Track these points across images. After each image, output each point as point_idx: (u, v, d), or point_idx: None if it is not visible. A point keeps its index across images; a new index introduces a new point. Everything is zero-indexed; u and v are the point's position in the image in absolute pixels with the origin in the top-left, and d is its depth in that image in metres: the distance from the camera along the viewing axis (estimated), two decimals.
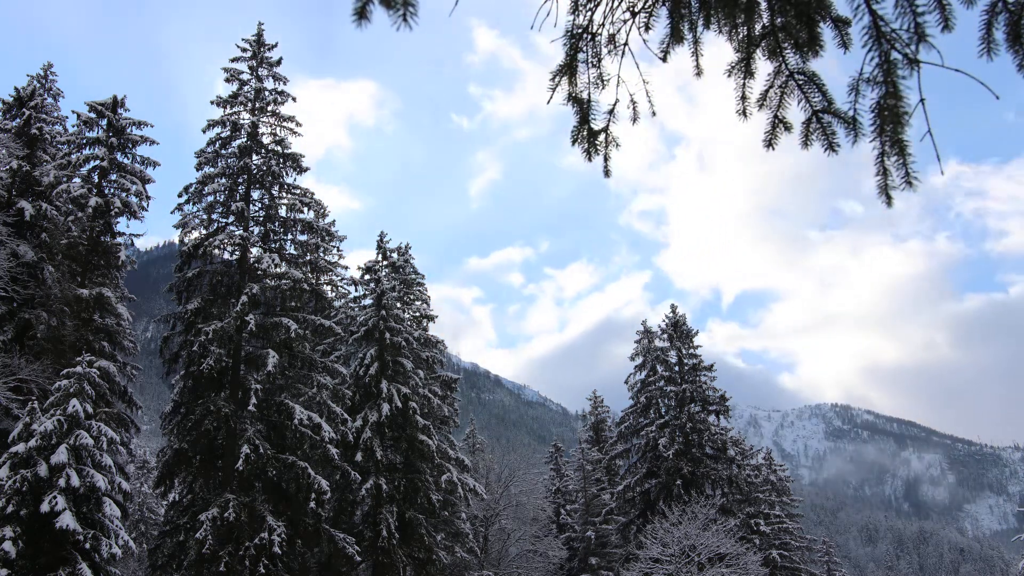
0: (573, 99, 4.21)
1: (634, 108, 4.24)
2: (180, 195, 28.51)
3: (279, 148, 29.51)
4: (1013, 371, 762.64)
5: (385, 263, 37.00)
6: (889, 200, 3.45)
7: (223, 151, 29.23)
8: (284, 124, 29.87)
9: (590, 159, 4.29)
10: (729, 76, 3.97)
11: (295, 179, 29.86)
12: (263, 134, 29.60)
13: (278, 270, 28.07)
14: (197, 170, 28.90)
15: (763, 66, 3.89)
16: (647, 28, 4.01)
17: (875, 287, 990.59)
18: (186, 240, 28.54)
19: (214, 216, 28.87)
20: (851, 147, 3.59)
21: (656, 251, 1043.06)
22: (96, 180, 29.01)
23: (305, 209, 29.64)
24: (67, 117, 29.73)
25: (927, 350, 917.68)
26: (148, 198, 29.53)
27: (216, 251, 28.38)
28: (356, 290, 38.70)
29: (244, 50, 29.95)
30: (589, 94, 4.20)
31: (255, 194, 29.52)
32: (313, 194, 29.92)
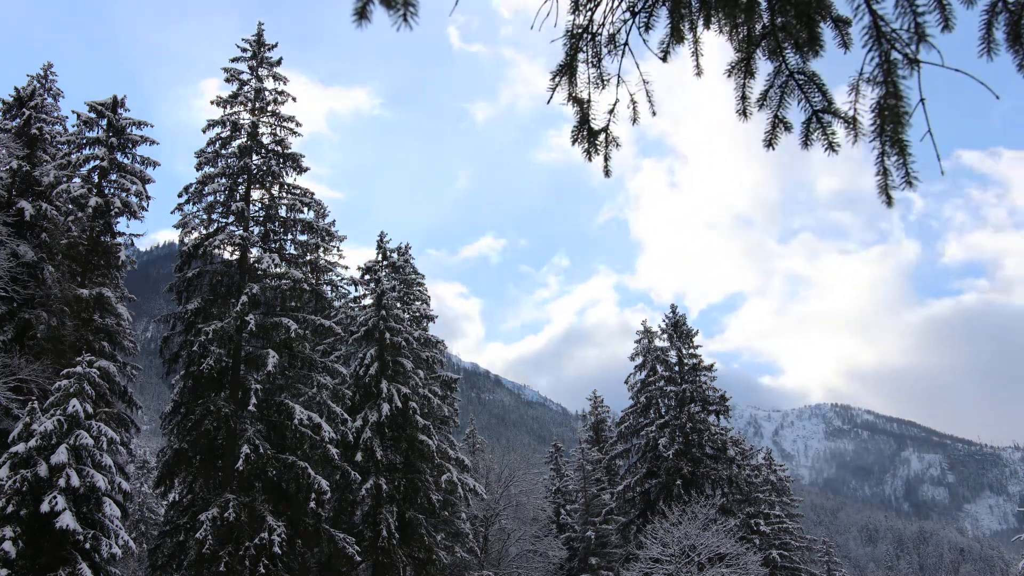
0: (573, 99, 4.21)
1: (634, 108, 4.24)
2: (180, 195, 28.52)
3: (279, 148, 29.51)
4: (991, 372, 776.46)
5: (385, 263, 37.02)
6: (889, 200, 3.45)
7: (223, 151, 29.23)
8: (284, 124, 29.87)
9: (590, 159, 4.29)
10: (729, 76, 3.97)
11: (295, 179, 29.89)
12: (263, 134, 29.60)
13: (278, 270, 28.06)
14: (197, 170, 28.91)
15: (763, 66, 3.89)
16: (647, 28, 4.01)
17: (844, 293, 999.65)
18: (186, 240, 28.53)
19: (214, 216, 28.88)
20: (851, 147, 3.59)
21: (624, 258, 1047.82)
22: (96, 180, 29.01)
23: (305, 209, 29.65)
24: (67, 117, 29.78)
25: (904, 354, 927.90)
26: (148, 198, 29.54)
27: (216, 251, 28.38)
28: (356, 290, 38.74)
29: (244, 50, 29.95)
30: (589, 94, 4.20)
31: (255, 194, 29.52)
32: (313, 194, 29.94)
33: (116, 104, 29.74)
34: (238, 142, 29.29)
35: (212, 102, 29.33)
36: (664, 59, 4.01)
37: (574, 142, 4.30)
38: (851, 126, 3.54)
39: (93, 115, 29.42)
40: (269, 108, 29.82)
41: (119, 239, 29.38)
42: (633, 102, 4.23)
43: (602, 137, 4.29)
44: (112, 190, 29.30)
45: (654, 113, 4.20)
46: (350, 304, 38.44)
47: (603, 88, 4.19)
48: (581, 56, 4.14)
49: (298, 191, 29.67)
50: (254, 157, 29.34)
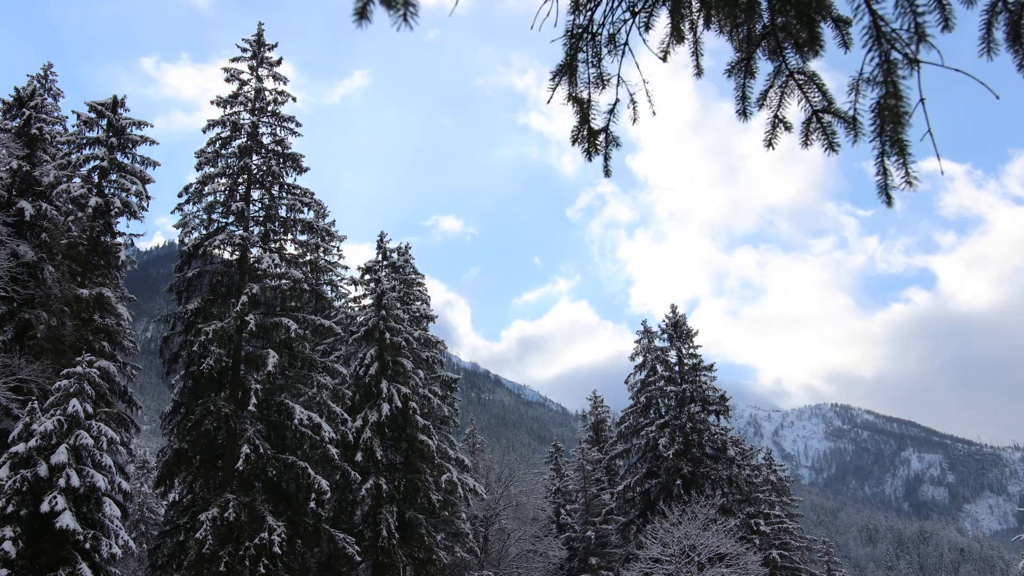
0: (573, 99, 4.21)
1: (634, 108, 4.24)
2: (180, 195, 28.52)
3: (279, 148, 29.52)
4: (964, 374, 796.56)
5: (385, 263, 37.03)
6: (889, 200, 3.45)
7: (223, 151, 29.23)
8: (284, 124, 29.88)
9: (590, 159, 4.29)
10: (729, 76, 3.97)
11: (295, 179, 29.90)
12: (263, 134, 29.61)
13: (278, 270, 28.06)
14: (197, 170, 28.91)
15: (763, 66, 3.89)
16: (647, 28, 4.01)
17: (797, 299, 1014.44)
18: (186, 240, 28.53)
19: (214, 216, 28.88)
20: (851, 146, 3.59)
21: (592, 262, 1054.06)
22: (96, 180, 29.02)
23: (305, 209, 29.67)
24: (67, 117, 29.79)
25: (877, 360, 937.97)
26: (148, 198, 29.54)
27: (216, 251, 28.38)
28: (356, 290, 38.73)
29: (244, 50, 29.95)
30: (589, 94, 4.20)
31: (255, 194, 29.52)
32: (313, 194, 29.94)
33: (116, 104, 29.75)
34: (238, 142, 29.30)
35: (212, 102, 29.36)
36: (664, 59, 4.02)
37: (574, 142, 4.30)
38: (851, 126, 3.55)
39: (93, 115, 29.43)
40: (269, 108, 29.82)
41: (119, 239, 29.39)
42: (633, 102, 4.23)
43: (602, 137, 4.29)
44: (112, 190, 29.31)
45: (654, 113, 4.20)
46: (350, 304, 38.44)
47: (603, 88, 4.19)
48: (581, 56, 4.14)
49: (298, 191, 29.68)
50: (254, 157, 29.34)
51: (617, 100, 4.23)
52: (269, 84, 30.00)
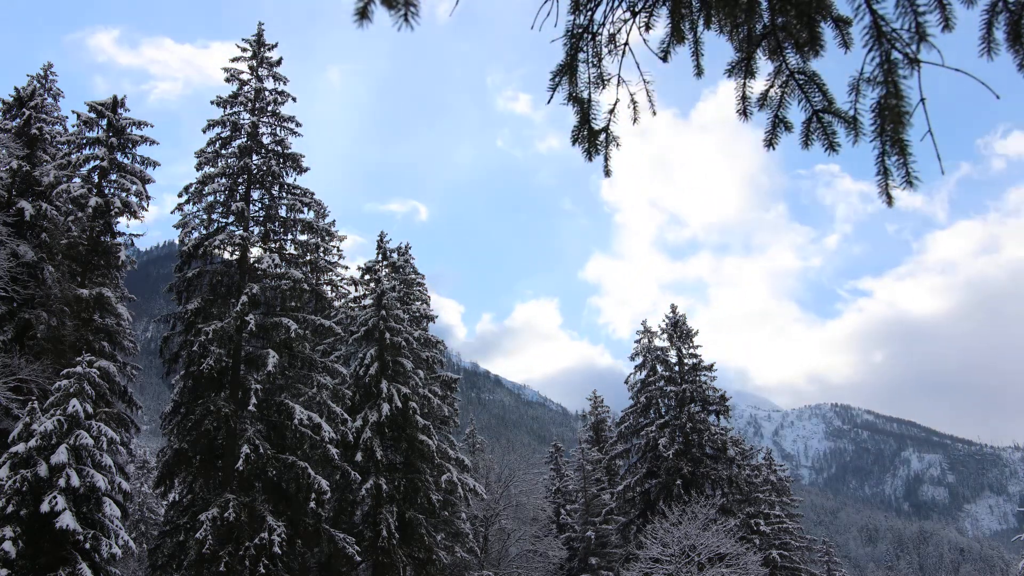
0: (573, 99, 4.21)
1: (634, 108, 4.24)
2: (180, 195, 28.52)
3: (279, 148, 29.53)
4: (935, 379, 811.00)
5: (385, 263, 37.05)
6: (890, 200, 3.45)
7: (223, 151, 29.23)
8: (284, 124, 29.88)
9: (590, 159, 4.29)
10: (729, 76, 3.97)
11: (295, 179, 29.91)
12: (263, 134, 29.61)
13: (278, 270, 28.07)
14: (197, 170, 28.91)
15: (764, 66, 3.89)
16: (647, 28, 4.01)
17: (757, 306, 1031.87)
18: (186, 240, 28.53)
19: (214, 216, 28.88)
20: (852, 146, 3.60)
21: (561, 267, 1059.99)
22: (96, 180, 29.03)
23: (305, 209, 29.67)
24: (67, 117, 29.81)
25: (849, 364, 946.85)
26: (148, 198, 29.56)
27: (216, 251, 28.38)
28: (356, 290, 38.74)
29: (244, 50, 29.96)
30: (589, 94, 4.20)
31: (255, 194, 29.53)
32: (313, 194, 29.94)
33: (116, 104, 29.77)
34: (238, 142, 29.30)
35: (212, 102, 29.38)
36: (664, 59, 4.01)
37: (574, 142, 4.30)
38: (851, 126, 3.55)
39: (93, 115, 29.44)
40: (269, 108, 29.83)
41: (119, 239, 29.40)
42: (633, 102, 4.23)
43: (602, 137, 4.29)
44: (112, 190, 29.32)
45: (654, 113, 4.20)
46: (350, 304, 38.44)
47: (603, 88, 4.19)
48: (581, 56, 4.14)
49: (298, 191, 29.68)
50: (254, 157, 29.35)
51: (617, 100, 4.23)
52: (269, 84, 30.04)
